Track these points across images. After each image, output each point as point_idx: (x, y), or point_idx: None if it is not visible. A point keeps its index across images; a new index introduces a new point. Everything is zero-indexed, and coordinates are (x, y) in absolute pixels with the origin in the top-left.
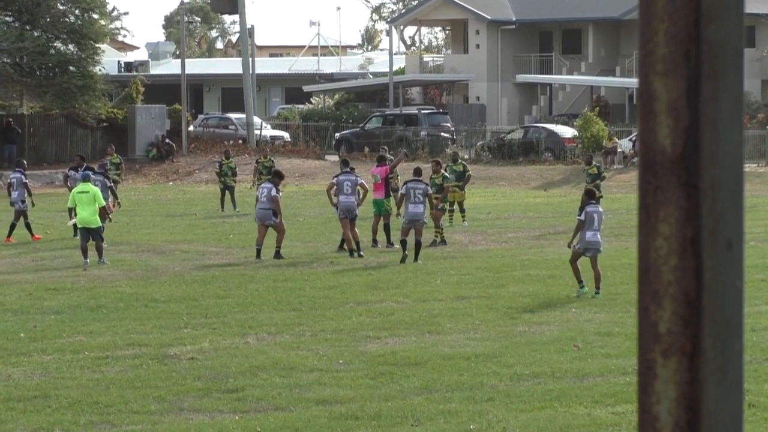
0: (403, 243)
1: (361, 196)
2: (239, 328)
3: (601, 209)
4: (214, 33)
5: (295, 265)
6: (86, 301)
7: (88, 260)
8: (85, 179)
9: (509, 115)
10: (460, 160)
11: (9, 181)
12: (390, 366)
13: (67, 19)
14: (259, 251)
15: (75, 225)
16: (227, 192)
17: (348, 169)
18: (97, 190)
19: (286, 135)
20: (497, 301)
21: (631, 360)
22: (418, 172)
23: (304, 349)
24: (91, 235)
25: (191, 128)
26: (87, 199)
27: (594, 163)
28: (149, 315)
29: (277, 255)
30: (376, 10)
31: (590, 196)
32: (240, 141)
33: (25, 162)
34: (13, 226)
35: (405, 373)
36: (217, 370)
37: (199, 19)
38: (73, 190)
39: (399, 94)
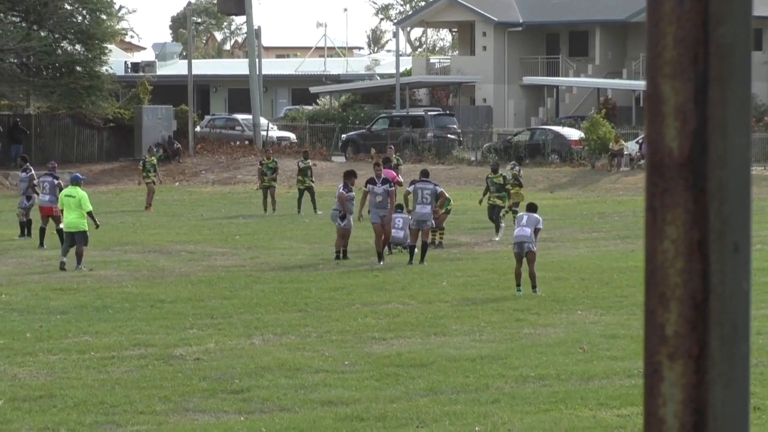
0: (411, 249)
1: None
2: (245, 329)
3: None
4: (222, 34)
5: (300, 267)
6: (92, 302)
7: (65, 258)
8: (75, 182)
9: (516, 117)
10: (500, 173)
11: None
12: (395, 367)
13: (75, 20)
14: (338, 253)
15: (60, 231)
16: (267, 192)
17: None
18: (83, 194)
19: (292, 136)
20: (503, 303)
21: (636, 362)
22: (425, 173)
23: (310, 350)
24: (75, 238)
25: (198, 129)
26: (73, 203)
27: (500, 173)
28: (155, 315)
29: (343, 255)
30: (383, 9)
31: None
32: (246, 142)
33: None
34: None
35: (410, 374)
36: (223, 370)
37: (213, 22)
38: (61, 193)
39: (405, 95)
